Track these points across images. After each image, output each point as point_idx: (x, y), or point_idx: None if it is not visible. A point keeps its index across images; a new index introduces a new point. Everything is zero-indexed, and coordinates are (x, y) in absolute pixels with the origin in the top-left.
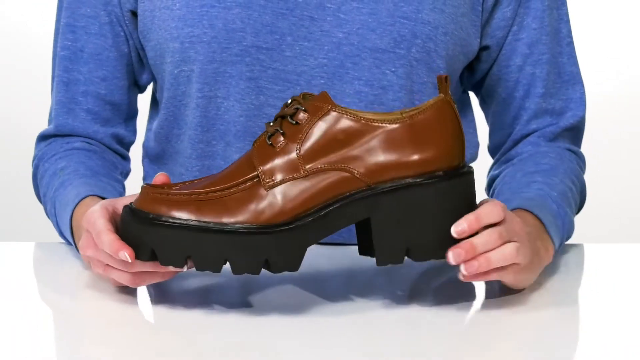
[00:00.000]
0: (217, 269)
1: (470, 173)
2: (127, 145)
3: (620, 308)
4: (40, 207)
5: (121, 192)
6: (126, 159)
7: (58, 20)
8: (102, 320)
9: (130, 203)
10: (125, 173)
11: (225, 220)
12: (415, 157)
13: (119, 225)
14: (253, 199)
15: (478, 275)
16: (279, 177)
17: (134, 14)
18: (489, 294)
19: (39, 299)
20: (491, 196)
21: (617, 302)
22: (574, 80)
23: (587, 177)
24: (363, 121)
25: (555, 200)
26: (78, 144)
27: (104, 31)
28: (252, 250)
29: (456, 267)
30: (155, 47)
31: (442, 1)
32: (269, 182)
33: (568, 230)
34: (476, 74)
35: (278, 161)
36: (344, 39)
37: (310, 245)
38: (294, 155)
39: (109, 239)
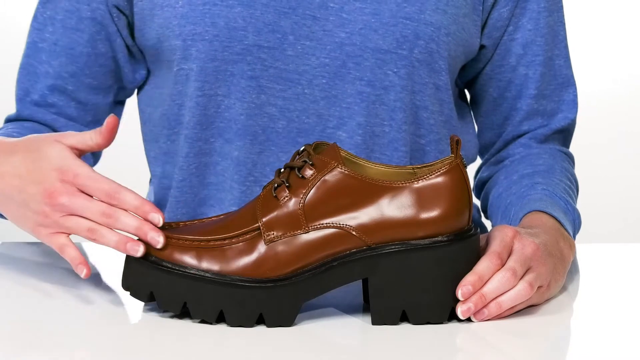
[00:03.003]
0: (211, 319)
1: (475, 235)
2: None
3: (619, 308)
4: None
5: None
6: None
7: (37, 9)
8: (99, 320)
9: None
10: None
11: (223, 270)
12: (420, 219)
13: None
14: (252, 252)
15: (492, 309)
16: (279, 231)
17: (121, 11)
18: None
19: (37, 298)
20: (484, 200)
21: (615, 302)
22: (568, 82)
23: (586, 177)
24: (367, 181)
25: (562, 197)
26: (28, 124)
27: (82, 26)
28: (247, 304)
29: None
30: (154, 46)
31: (444, 2)
32: (268, 236)
33: (578, 226)
34: (468, 72)
35: (280, 215)
36: (347, 38)
37: (305, 302)
38: (296, 210)
39: (134, 196)
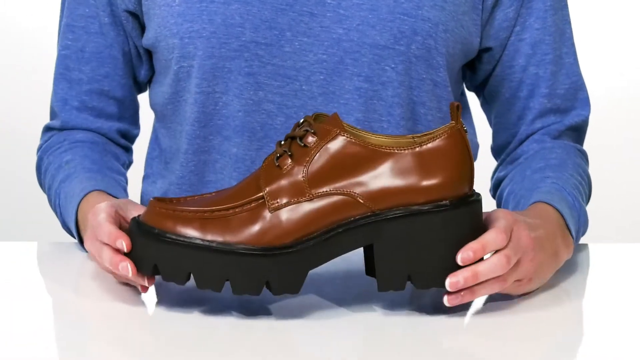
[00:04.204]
0: (217, 288)
1: (478, 202)
2: (132, 138)
3: (626, 308)
4: (41, 206)
5: (124, 186)
6: (129, 150)
7: (61, 19)
8: (104, 319)
9: (138, 216)
10: (128, 164)
11: (228, 239)
12: (423, 184)
13: (122, 226)
14: (257, 220)
15: (465, 295)
16: (283, 199)
17: (131, 13)
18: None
19: (40, 298)
20: (499, 198)
21: (622, 303)
22: (579, 80)
23: (595, 176)
24: (370, 147)
25: (570, 193)
26: (81, 136)
27: (105, 30)
28: (253, 272)
29: None
30: (153, 44)
31: None
32: (273, 204)
33: (584, 224)
34: (479, 75)
35: (284, 183)
36: (344, 35)
37: (312, 269)
38: (300, 178)
39: (107, 229)
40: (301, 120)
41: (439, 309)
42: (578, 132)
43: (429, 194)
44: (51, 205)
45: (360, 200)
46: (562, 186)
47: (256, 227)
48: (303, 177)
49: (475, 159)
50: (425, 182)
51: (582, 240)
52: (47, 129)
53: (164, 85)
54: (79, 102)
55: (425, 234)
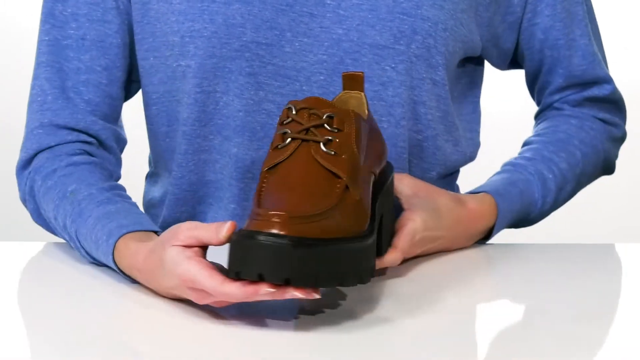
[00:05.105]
0: (333, 285)
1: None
2: (124, 144)
3: (620, 309)
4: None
5: (133, 203)
6: (119, 162)
7: (47, 5)
8: (106, 319)
9: (243, 230)
10: (117, 179)
11: (343, 234)
12: (385, 150)
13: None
14: (351, 209)
15: None
16: (361, 184)
17: None
18: (507, 292)
19: (42, 299)
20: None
21: (617, 303)
22: (596, 60)
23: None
24: (368, 118)
25: (546, 187)
26: (77, 158)
27: (109, 17)
28: (366, 260)
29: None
30: (147, 40)
31: None
32: (358, 190)
33: (532, 216)
34: (507, 56)
35: (353, 169)
36: (344, 35)
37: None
38: (360, 160)
39: (233, 291)
40: (294, 111)
41: (440, 309)
42: (606, 103)
43: (385, 156)
44: (62, 235)
45: (376, 172)
46: (540, 178)
47: (351, 216)
48: (361, 158)
49: (474, 157)
50: (384, 146)
51: (607, 241)
52: (33, 132)
53: (148, 85)
54: (73, 93)
55: (393, 197)
